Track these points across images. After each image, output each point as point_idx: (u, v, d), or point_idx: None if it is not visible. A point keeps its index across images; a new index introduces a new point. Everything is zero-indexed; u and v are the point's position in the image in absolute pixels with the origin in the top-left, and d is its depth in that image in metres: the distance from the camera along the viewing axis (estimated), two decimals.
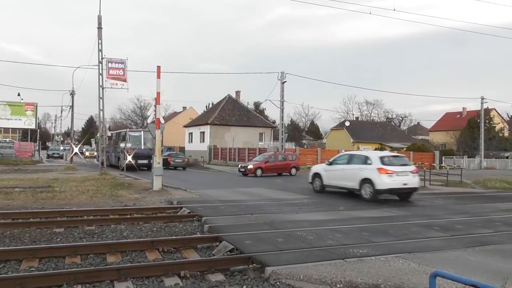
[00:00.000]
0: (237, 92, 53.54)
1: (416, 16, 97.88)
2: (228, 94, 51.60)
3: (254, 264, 6.00)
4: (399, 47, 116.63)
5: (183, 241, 7.44)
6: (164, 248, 7.04)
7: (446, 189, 19.58)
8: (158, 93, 16.09)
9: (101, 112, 23.38)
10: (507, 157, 51.24)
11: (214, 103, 56.39)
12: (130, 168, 22.67)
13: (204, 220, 9.33)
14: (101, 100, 22.65)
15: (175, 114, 75.39)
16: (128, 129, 31.53)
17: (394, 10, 26.38)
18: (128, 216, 10.04)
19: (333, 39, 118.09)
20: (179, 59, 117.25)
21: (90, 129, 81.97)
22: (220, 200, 13.24)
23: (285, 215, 10.41)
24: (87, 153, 50.26)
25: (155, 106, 16.78)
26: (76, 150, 36.30)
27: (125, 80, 23.36)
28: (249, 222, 9.29)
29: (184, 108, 75.41)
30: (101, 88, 22.51)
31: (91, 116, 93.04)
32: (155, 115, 16.64)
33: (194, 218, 9.82)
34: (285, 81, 33.48)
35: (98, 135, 29.61)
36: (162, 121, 17.87)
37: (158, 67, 16.02)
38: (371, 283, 5.22)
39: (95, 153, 40.92)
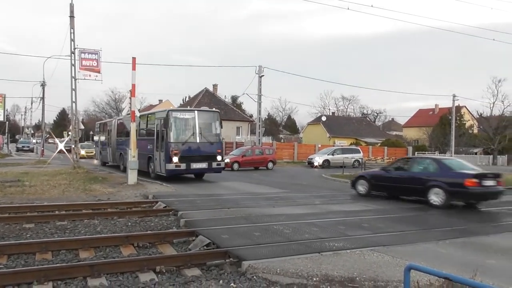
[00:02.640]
0: (215, 86, 53.21)
1: (393, 13, 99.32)
2: (205, 87, 51.18)
3: (230, 259, 5.97)
4: (376, 43, 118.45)
5: (158, 235, 7.33)
6: (139, 243, 6.91)
7: None
8: (134, 85, 15.78)
9: (73, 104, 22.70)
10: (475, 153, 53.09)
11: (191, 96, 55.84)
12: (172, 177, 16.37)
13: (180, 214, 9.23)
14: (73, 91, 21.98)
15: (151, 107, 74.21)
16: (170, 108, 18.18)
17: (371, 6, 26.72)
18: (102, 211, 9.83)
19: (311, 34, 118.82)
20: (155, 51, 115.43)
21: (63, 121, 79.94)
22: (196, 194, 13.14)
23: (261, 209, 10.42)
24: (82, 152, 35.97)
25: (130, 98, 16.51)
26: (61, 146, 27.47)
27: (99, 71, 22.70)
28: (226, 216, 9.25)
29: (160, 101, 74.39)
30: (73, 79, 21.87)
31: (64, 108, 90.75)
32: (130, 107, 16.33)
33: (170, 213, 9.70)
34: (263, 75, 33.46)
35: (70, 127, 24.89)
36: (137, 114, 17.59)
37: (134, 58, 15.70)
38: (347, 276, 5.28)
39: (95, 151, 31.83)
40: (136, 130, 16.90)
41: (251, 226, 8.09)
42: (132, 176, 15.29)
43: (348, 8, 32.89)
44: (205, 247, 6.74)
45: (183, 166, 16.01)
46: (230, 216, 9.26)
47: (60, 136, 43.55)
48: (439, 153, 48.87)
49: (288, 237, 7.29)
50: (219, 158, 16.95)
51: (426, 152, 48.40)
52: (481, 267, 5.47)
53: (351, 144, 46.45)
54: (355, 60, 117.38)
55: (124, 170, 18.38)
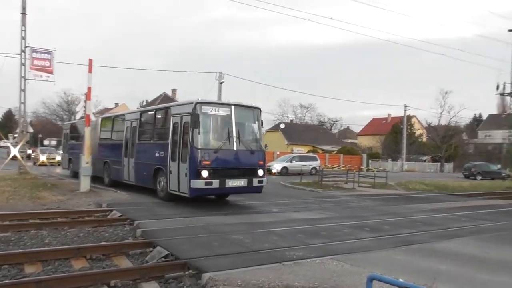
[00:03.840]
0: (173, 90, 52.47)
1: (351, 26, 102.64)
2: (164, 92, 50.32)
3: (190, 271, 5.79)
4: (334, 54, 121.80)
5: (113, 247, 6.99)
6: (92, 256, 6.55)
7: (373, 190, 20.68)
8: (89, 88, 15.13)
9: (22, 105, 21.44)
10: (424, 161, 55.85)
11: (149, 101, 54.64)
12: (196, 198, 11.90)
13: (137, 224, 8.88)
14: (22, 92, 20.77)
15: (106, 110, 71.88)
16: (198, 100, 11.70)
17: (331, 18, 27.47)
18: (51, 220, 9.28)
19: (273, 42, 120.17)
20: (113, 53, 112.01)
21: (9, 123, 75.36)
22: (154, 202, 12.74)
23: (221, 217, 10.26)
24: (42, 158, 31.88)
25: (85, 101, 15.82)
26: (15, 152, 21.07)
27: (51, 72, 21.60)
28: (185, 225, 9.01)
29: (117, 104, 72.25)
30: (23, 79, 20.67)
31: (10, 109, 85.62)
32: (84, 111, 15.62)
33: (126, 222, 9.32)
34: (223, 82, 33.35)
35: (18, 130, 21.87)
36: (93, 118, 16.88)
37: (90, 60, 15.07)
38: (308, 286, 5.25)
39: (58, 158, 27.89)
40: (135, 130, 14.66)
41: (211, 236, 7.92)
42: (85, 183, 14.60)
43: (309, 20, 33.70)
44: (163, 259, 6.50)
45: (215, 183, 11.28)
46: (189, 225, 9.03)
47: (6, 138, 40.10)
48: (391, 161, 50.87)
49: (248, 246, 7.19)
50: (260, 172, 12.31)
51: (379, 160, 50.24)
52: (436, 273, 5.65)
53: (308, 151, 47.29)
54: (315, 69, 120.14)
55: (114, 184, 16.00)
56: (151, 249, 6.99)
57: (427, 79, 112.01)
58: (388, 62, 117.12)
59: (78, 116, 16.93)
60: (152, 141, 13.84)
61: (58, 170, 25.79)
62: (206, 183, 11.15)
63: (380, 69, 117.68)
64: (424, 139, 62.74)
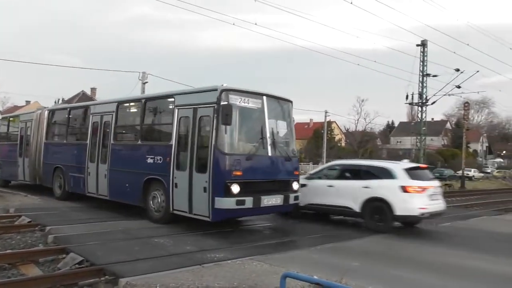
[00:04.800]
0: (93, 89, 49.74)
1: (274, 33, 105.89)
2: (82, 91, 47.53)
3: (106, 276, 5.59)
4: (258, 59, 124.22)
5: (21, 255, 6.50)
6: None
7: None
8: None
9: None
10: None
11: (66, 99, 51.19)
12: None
13: (48, 229, 8.31)
14: None
15: (16, 108, 65.84)
16: (224, 87, 8.54)
17: (256, 24, 28.05)
18: None
19: (197, 44, 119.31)
20: (25, 47, 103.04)
21: None
22: (69, 206, 11.98)
23: (141, 221, 9.97)
24: None
25: None
26: None
27: None
28: (102, 230, 8.63)
29: (28, 102, 66.50)
30: None
31: None
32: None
33: (36, 228, 8.67)
34: (147, 82, 32.31)
35: None
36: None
37: None
38: (227, 286, 5.37)
39: None
40: (107, 127, 11.33)
41: (131, 240, 7.71)
42: None
43: (233, 24, 34.17)
44: (77, 265, 6.19)
45: (248, 202, 8.38)
46: (107, 230, 8.67)
47: None
48: (313, 164, 53.25)
49: (169, 250, 7.12)
50: (296, 186, 9.64)
51: (302, 163, 52.24)
52: (348, 270, 6.07)
53: None
54: (239, 73, 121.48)
55: (71, 197, 12.69)
56: (64, 255, 6.61)
57: (346, 87, 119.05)
58: (311, 69, 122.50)
59: None
60: (140, 142, 10.38)
61: None
62: (238, 202, 8.13)
63: (304, 76, 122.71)
64: (343, 144, 66.62)
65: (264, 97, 9.12)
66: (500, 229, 11.68)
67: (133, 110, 11.49)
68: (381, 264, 6.98)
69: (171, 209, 9.11)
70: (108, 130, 11.40)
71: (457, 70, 27.40)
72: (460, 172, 40.16)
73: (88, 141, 12.05)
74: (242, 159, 8.41)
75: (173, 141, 9.25)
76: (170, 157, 9.19)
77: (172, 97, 9.85)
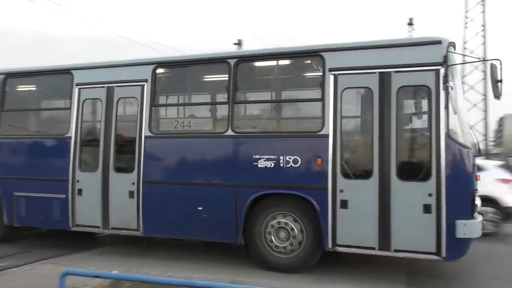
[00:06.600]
0: None
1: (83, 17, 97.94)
2: None
3: None
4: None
5: None
6: None
7: None
8: None
9: None
10: None
11: None
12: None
13: None
14: None
15: None
16: (450, 40, 5.21)
17: (60, 5, 25.50)
18: None
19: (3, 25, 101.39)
20: None
21: None
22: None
23: None
24: None
25: None
26: None
27: None
28: None
29: None
30: None
31: None
32: None
33: None
34: None
35: None
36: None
37: None
38: None
39: None
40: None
41: None
42: None
43: (33, 1, 29.91)
44: None
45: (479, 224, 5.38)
46: None
47: None
48: None
49: None
50: None
51: None
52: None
53: None
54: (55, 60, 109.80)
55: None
56: None
57: None
58: None
59: None
60: (230, 132, 5.93)
61: None
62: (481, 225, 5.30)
63: None
64: None
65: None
66: None
67: (207, 74, 7.17)
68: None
69: (327, 245, 5.37)
70: (131, 113, 6.83)
71: None
72: None
73: (72, 133, 6.97)
74: (472, 156, 5.28)
75: (330, 130, 5.40)
76: (327, 156, 5.40)
77: (321, 54, 5.62)
